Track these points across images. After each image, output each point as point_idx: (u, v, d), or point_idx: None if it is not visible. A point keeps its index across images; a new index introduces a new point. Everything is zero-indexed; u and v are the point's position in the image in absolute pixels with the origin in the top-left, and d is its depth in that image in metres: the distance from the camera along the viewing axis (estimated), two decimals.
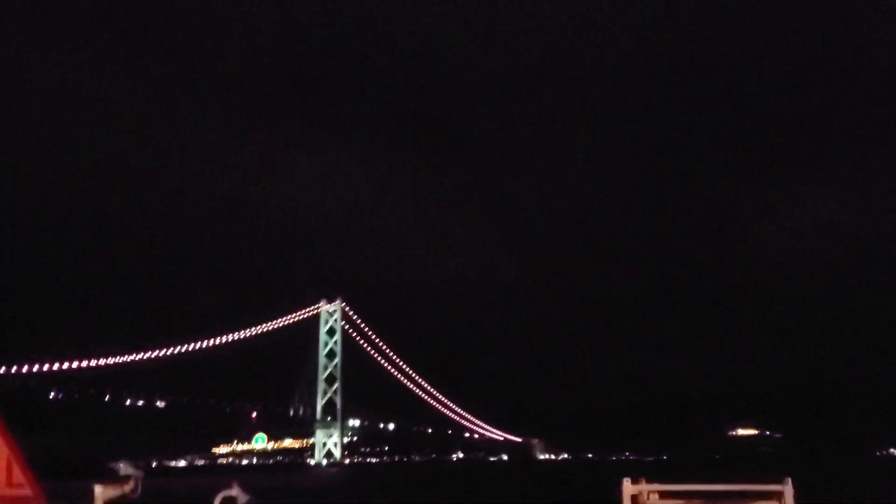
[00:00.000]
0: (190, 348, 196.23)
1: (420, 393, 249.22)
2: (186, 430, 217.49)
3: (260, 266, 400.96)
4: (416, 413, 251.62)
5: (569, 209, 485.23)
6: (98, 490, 10.95)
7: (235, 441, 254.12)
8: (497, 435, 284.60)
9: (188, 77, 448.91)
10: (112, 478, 11.14)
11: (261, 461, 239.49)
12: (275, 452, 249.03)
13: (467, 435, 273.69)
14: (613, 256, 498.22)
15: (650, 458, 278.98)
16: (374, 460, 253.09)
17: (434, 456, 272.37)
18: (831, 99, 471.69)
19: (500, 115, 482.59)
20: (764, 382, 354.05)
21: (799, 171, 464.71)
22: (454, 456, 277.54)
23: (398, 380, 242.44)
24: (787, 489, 10.31)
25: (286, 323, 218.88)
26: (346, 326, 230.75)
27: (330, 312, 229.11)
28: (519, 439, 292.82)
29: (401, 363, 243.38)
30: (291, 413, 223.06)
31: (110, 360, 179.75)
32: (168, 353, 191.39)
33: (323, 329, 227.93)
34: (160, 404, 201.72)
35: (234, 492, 11.40)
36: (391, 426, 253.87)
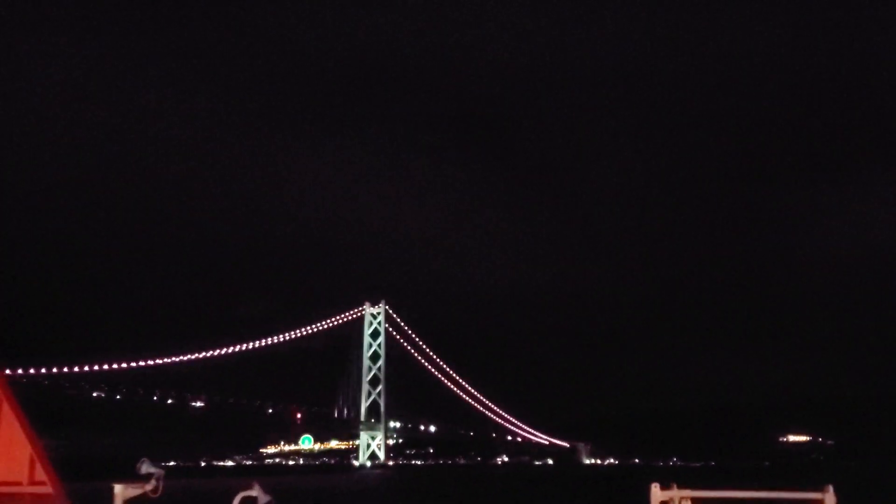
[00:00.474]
0: (236, 351, 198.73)
1: (464, 396, 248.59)
2: (234, 431, 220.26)
3: (305, 270, 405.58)
4: (460, 416, 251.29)
5: (618, 216, 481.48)
6: (118, 489, 10.81)
7: (282, 442, 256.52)
8: (542, 439, 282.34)
9: (234, 87, 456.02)
10: (133, 477, 10.99)
11: (307, 462, 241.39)
12: (321, 453, 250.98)
13: (510, 438, 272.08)
14: (665, 264, 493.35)
15: (697, 464, 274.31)
16: (418, 462, 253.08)
17: (479, 459, 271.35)
18: (875, 100, 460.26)
19: (544, 120, 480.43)
20: (817, 389, 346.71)
21: (849, 174, 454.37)
22: (499, 459, 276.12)
23: (441, 382, 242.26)
24: (829, 497, 9.61)
25: (330, 326, 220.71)
26: (390, 329, 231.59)
27: (374, 315, 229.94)
28: (565, 443, 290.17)
29: (444, 366, 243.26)
30: (336, 414, 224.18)
31: (159, 362, 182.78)
32: (215, 356, 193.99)
33: (367, 332, 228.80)
34: (207, 405, 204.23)
35: (255, 492, 11.16)
36: (434, 428, 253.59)
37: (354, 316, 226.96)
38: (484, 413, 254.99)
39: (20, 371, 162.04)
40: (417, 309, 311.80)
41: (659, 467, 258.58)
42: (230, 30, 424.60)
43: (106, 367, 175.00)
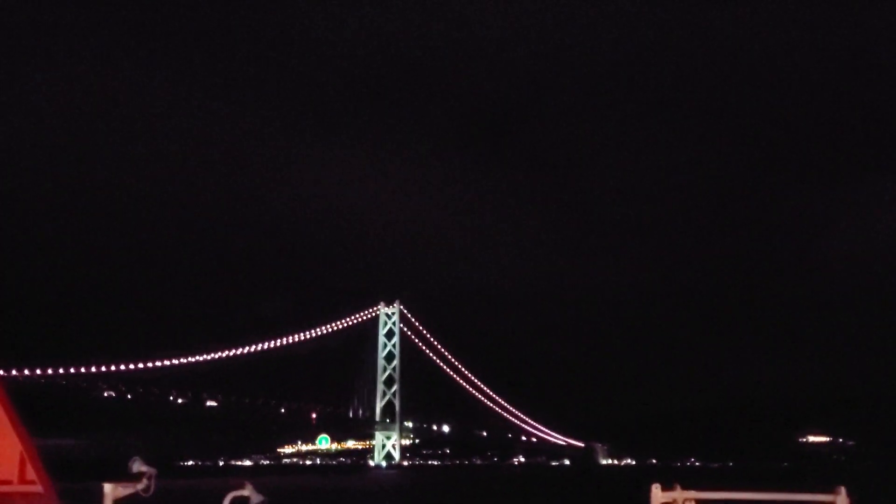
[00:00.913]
0: (250, 351, 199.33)
1: (479, 396, 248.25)
2: (251, 431, 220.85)
3: (319, 270, 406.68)
4: (475, 416, 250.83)
5: (637, 216, 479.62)
6: (108, 488, 10.52)
7: (300, 442, 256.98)
8: (559, 439, 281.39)
9: (250, 88, 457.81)
10: (124, 476, 10.72)
11: (324, 462, 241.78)
12: (338, 454, 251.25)
13: (524, 439, 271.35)
14: (682, 264, 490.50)
15: (716, 465, 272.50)
16: (435, 463, 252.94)
17: (495, 459, 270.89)
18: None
19: (565, 121, 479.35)
20: (837, 390, 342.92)
21: (871, 175, 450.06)
22: (515, 460, 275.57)
23: (457, 383, 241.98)
24: (840, 499, 9.12)
25: (345, 326, 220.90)
26: (405, 329, 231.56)
27: (388, 315, 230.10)
28: (581, 444, 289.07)
29: (459, 366, 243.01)
30: (351, 415, 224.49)
31: (173, 362, 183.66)
32: (229, 356, 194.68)
33: (381, 332, 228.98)
34: (223, 405, 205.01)
35: (247, 492, 10.84)
36: (450, 428, 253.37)
37: (369, 316, 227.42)
38: (499, 413, 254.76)
39: (38, 372, 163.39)
40: (432, 309, 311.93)
41: (676, 468, 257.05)
42: (240, 31, 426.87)
43: (123, 367, 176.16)
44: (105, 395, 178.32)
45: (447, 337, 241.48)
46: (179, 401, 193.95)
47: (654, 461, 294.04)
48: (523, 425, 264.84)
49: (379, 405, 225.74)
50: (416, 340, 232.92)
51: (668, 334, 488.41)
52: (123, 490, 10.66)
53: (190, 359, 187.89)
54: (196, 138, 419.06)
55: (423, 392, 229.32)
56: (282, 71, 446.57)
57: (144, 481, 10.68)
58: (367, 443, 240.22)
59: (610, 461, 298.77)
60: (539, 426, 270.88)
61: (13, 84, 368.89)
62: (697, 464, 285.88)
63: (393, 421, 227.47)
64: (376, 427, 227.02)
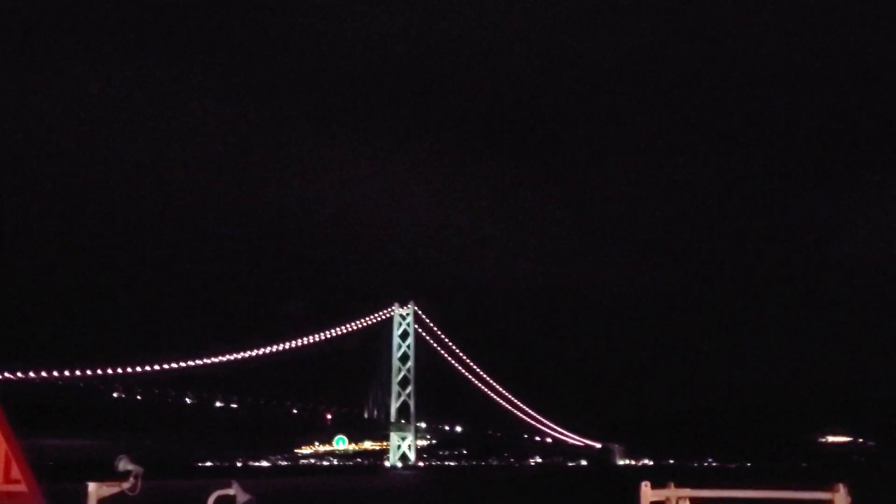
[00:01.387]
0: (266, 352, 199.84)
1: (495, 397, 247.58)
2: (268, 432, 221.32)
3: (333, 272, 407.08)
4: (491, 417, 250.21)
5: (652, 215, 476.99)
6: (92, 487, 10.35)
7: (317, 442, 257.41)
8: (575, 440, 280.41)
9: (264, 87, 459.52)
10: (111, 475, 10.54)
11: (342, 463, 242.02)
12: (355, 454, 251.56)
13: (540, 440, 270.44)
14: (700, 264, 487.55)
15: (733, 465, 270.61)
16: (451, 464, 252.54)
17: (512, 460, 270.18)
18: None
19: (575, 121, 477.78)
20: (858, 389, 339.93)
21: (890, 174, 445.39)
22: (532, 461, 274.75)
23: (472, 383, 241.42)
24: (839, 497, 8.78)
25: (359, 327, 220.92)
26: (419, 330, 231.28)
27: (403, 316, 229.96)
28: (598, 444, 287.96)
29: (475, 367, 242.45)
30: (366, 415, 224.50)
31: (190, 364, 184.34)
32: (245, 357, 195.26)
33: (396, 333, 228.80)
34: (240, 406, 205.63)
35: (233, 491, 10.65)
36: (465, 430, 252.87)
37: (383, 317, 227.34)
38: (515, 414, 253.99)
39: (55, 374, 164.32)
40: (447, 310, 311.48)
41: (693, 468, 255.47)
42: (243, 31, 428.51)
43: (139, 369, 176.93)
44: (122, 397, 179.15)
45: (462, 338, 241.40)
46: (196, 403, 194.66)
47: (671, 461, 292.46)
48: (539, 426, 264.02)
49: (394, 406, 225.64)
50: (431, 341, 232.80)
51: (687, 335, 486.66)
52: (108, 489, 10.48)
53: (206, 361, 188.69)
54: (204, 139, 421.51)
55: (438, 393, 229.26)
56: (288, 72, 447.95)
57: (131, 480, 10.50)
58: (384, 443, 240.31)
59: (627, 462, 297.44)
60: (555, 427, 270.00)
61: (14, 84, 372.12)
62: (715, 464, 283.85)
63: (408, 422, 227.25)
64: (391, 428, 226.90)
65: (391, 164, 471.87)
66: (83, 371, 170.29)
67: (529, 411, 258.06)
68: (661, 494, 9.31)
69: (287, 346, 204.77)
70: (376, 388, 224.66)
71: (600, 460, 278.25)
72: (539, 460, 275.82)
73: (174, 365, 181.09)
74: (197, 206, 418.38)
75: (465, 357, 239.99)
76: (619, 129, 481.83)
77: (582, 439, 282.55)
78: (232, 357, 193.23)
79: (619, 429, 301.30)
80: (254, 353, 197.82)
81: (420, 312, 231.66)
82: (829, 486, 9.02)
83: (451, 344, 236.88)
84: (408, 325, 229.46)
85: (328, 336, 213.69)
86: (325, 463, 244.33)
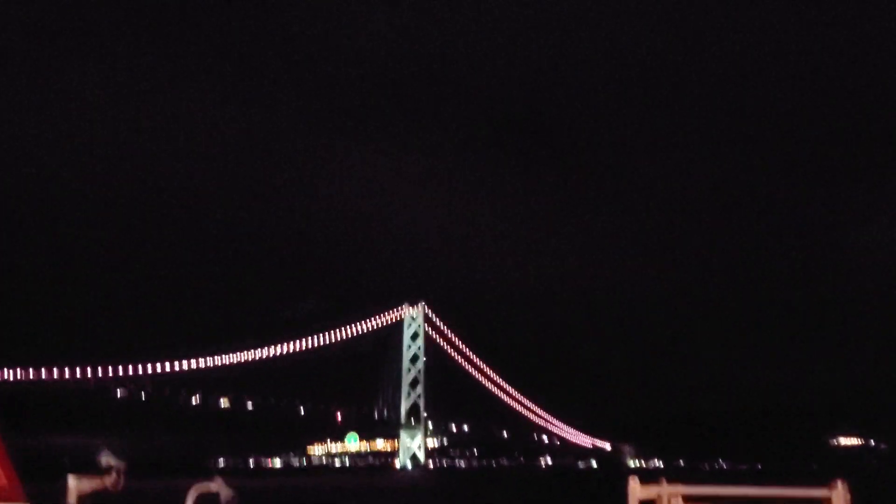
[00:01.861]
0: (275, 352, 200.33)
1: (505, 397, 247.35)
2: (280, 432, 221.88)
3: (344, 272, 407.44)
4: (501, 417, 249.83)
5: (663, 215, 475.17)
6: (72, 482, 10.15)
7: (328, 441, 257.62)
8: (586, 441, 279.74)
9: (279, 89, 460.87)
10: (92, 470, 10.32)
11: (353, 462, 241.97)
12: (367, 454, 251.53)
13: (550, 440, 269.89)
14: (711, 263, 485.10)
15: (744, 467, 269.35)
16: (462, 464, 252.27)
17: (522, 461, 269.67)
18: None
19: (589, 122, 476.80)
20: (871, 392, 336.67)
21: None
22: (542, 461, 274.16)
23: (482, 384, 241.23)
24: (836, 495, 8.39)
25: (369, 328, 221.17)
26: (430, 331, 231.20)
27: (413, 317, 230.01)
28: (608, 445, 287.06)
29: (484, 367, 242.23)
30: (376, 416, 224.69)
31: (200, 363, 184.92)
32: (254, 357, 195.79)
33: (406, 333, 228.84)
34: (252, 406, 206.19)
35: (214, 486, 10.41)
36: (475, 430, 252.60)
37: (393, 318, 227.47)
38: (525, 414, 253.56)
39: (66, 373, 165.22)
40: (457, 310, 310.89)
41: (704, 470, 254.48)
42: (261, 33, 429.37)
43: (150, 369, 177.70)
44: (131, 396, 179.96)
45: (472, 338, 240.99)
46: (206, 403, 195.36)
47: (681, 463, 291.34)
48: (550, 426, 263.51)
49: (404, 406, 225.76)
50: (441, 342, 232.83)
51: (697, 334, 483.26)
52: (89, 483, 10.28)
53: (216, 360, 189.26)
54: (221, 140, 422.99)
55: (448, 394, 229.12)
56: (303, 72, 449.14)
57: (113, 475, 10.30)
58: (395, 443, 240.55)
59: (638, 463, 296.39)
60: (566, 427, 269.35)
61: (15, 85, 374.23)
62: (725, 466, 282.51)
63: (418, 422, 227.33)
64: (401, 428, 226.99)
65: (401, 164, 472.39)
66: (94, 370, 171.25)
67: (539, 412, 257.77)
68: (651, 491, 8.80)
69: (296, 346, 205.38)
70: (387, 388, 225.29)
71: (612, 461, 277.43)
72: (549, 461, 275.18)
73: (185, 365, 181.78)
74: (209, 206, 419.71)
75: (475, 357, 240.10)
76: (633, 130, 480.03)
77: (592, 440, 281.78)
78: (242, 357, 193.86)
79: (629, 430, 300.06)
80: (263, 353, 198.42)
81: (430, 313, 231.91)
82: (826, 482, 8.66)
83: (461, 344, 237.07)
84: (418, 325, 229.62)
85: (337, 337, 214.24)
86: (338, 463, 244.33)
